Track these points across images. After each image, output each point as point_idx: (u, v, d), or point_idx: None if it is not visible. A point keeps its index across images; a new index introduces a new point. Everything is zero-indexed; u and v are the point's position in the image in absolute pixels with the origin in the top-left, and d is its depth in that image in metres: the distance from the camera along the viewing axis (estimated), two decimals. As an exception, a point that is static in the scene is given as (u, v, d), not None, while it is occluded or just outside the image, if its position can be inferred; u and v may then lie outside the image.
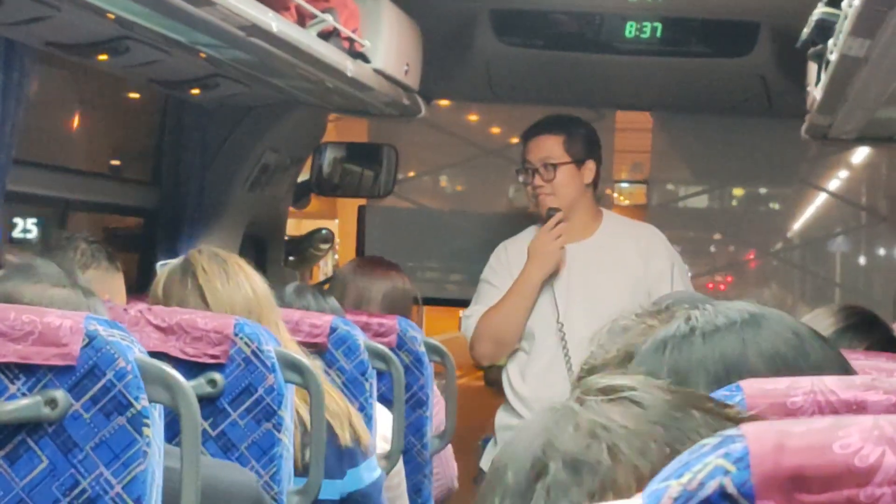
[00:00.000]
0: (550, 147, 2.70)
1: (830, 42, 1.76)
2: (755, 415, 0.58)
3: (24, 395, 0.93)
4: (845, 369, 0.78)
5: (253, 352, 1.33)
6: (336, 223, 5.64)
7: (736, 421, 0.50)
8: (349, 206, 4.91)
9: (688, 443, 0.45)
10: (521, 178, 2.82)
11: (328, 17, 2.15)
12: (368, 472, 1.72)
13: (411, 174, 3.61)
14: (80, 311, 1.04)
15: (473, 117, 3.81)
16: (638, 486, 0.42)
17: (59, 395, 0.94)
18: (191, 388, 1.07)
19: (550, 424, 0.49)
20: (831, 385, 0.62)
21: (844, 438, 0.30)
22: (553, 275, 2.69)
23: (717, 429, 0.43)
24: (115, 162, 2.92)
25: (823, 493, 0.29)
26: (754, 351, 0.76)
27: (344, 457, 1.69)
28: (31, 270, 1.26)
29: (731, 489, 0.29)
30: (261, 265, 2.20)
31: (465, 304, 2.83)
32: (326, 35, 2.20)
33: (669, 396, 0.53)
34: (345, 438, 1.66)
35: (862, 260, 3.73)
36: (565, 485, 0.46)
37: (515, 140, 3.00)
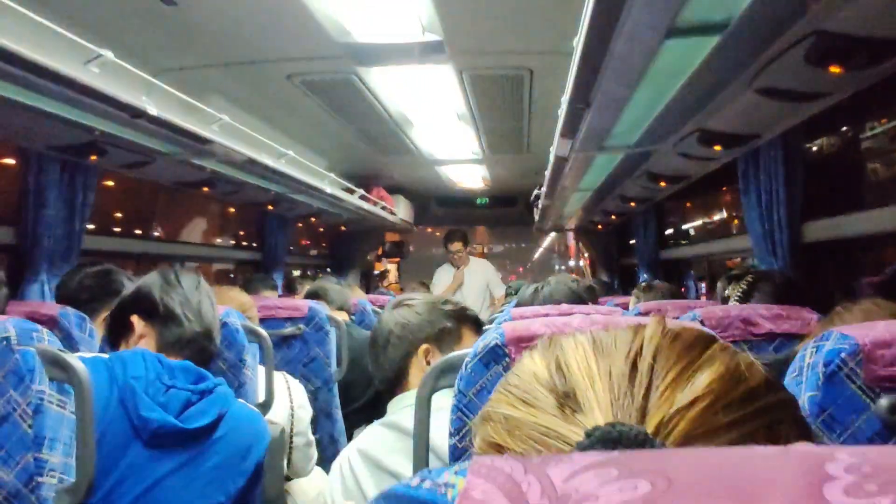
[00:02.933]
0: (457, 246, 6.67)
1: (540, 202, 6.58)
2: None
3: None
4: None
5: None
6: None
7: (459, 317, 1.57)
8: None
9: (438, 325, 1.54)
10: (449, 249, 6.96)
11: (386, 206, 6.87)
12: None
13: (412, 249, 8.81)
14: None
15: (430, 230, 9.13)
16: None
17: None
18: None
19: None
20: (550, 309, 1.67)
21: (539, 328, 0.97)
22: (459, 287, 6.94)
23: (457, 319, 1.56)
24: None
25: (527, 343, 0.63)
26: (550, 294, 2.35)
27: None
28: None
29: (500, 343, 0.89)
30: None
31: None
32: (384, 208, 7.12)
33: (430, 302, 1.50)
34: None
35: (556, 267, 8.90)
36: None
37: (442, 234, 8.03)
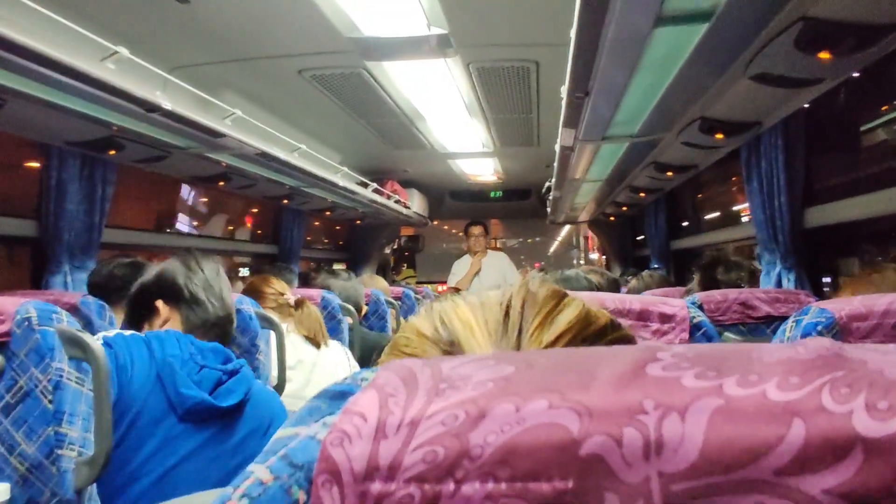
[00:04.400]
0: (479, 230, 6.76)
1: (551, 194, 6.51)
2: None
3: None
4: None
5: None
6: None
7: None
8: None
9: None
10: (467, 240, 6.86)
11: (400, 200, 7.05)
12: None
13: (427, 243, 8.85)
14: None
15: (446, 226, 9.17)
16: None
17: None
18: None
19: None
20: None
21: None
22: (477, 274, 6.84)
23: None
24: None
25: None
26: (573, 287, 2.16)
27: None
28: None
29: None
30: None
31: (444, 281, 7.77)
32: (398, 202, 7.22)
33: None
34: None
35: (574, 261, 8.89)
36: None
37: (456, 230, 8.14)
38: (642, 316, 1.21)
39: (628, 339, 0.53)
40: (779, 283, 2.76)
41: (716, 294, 2.17)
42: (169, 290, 1.67)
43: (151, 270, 1.73)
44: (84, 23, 1.90)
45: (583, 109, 2.20)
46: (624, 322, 1.21)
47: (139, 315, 1.69)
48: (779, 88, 2.03)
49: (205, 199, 5.21)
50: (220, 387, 1.52)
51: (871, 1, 1.42)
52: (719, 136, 2.60)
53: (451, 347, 0.51)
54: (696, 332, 1.21)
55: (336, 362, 2.49)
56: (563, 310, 0.52)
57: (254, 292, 2.52)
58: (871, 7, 1.45)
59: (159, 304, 1.66)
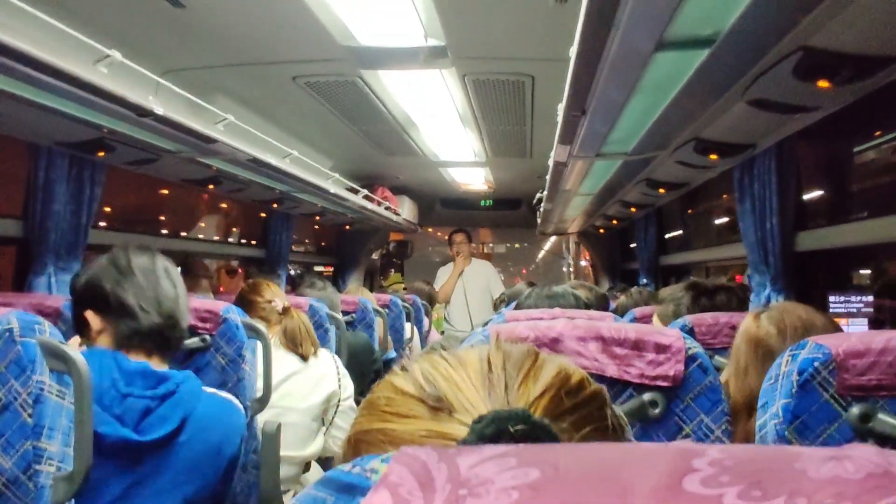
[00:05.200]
0: (461, 237, 6.96)
1: (542, 206, 6.55)
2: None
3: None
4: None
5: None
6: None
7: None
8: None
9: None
10: (451, 247, 7.18)
11: (390, 206, 6.96)
12: None
13: (416, 249, 8.81)
14: None
15: (439, 233, 9.12)
16: None
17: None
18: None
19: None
20: (541, 313, 2.12)
21: (523, 331, 1.72)
22: (461, 276, 6.91)
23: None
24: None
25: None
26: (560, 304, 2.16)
27: None
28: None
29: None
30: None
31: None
32: (388, 208, 7.18)
33: None
34: None
35: (564, 269, 8.85)
36: None
37: (445, 237, 8.04)
38: (637, 346, 1.20)
39: (604, 394, 0.56)
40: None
41: (706, 317, 2.16)
42: (97, 298, 1.48)
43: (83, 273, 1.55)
44: (77, 25, 1.87)
45: (578, 127, 2.19)
46: (619, 351, 1.20)
47: (78, 328, 1.53)
48: (775, 114, 2.03)
49: (193, 202, 5.16)
50: (149, 416, 1.39)
51: (872, 32, 1.42)
52: (713, 156, 2.60)
53: (440, 403, 0.51)
54: (691, 364, 1.20)
55: (322, 374, 2.45)
56: (542, 366, 0.55)
57: (243, 301, 2.48)
58: (872, 38, 1.45)
59: (89, 314, 1.48)
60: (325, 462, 2.72)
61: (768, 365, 1.25)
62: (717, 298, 2.46)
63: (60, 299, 2.34)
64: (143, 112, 2.16)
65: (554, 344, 1.16)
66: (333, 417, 2.47)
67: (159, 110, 2.21)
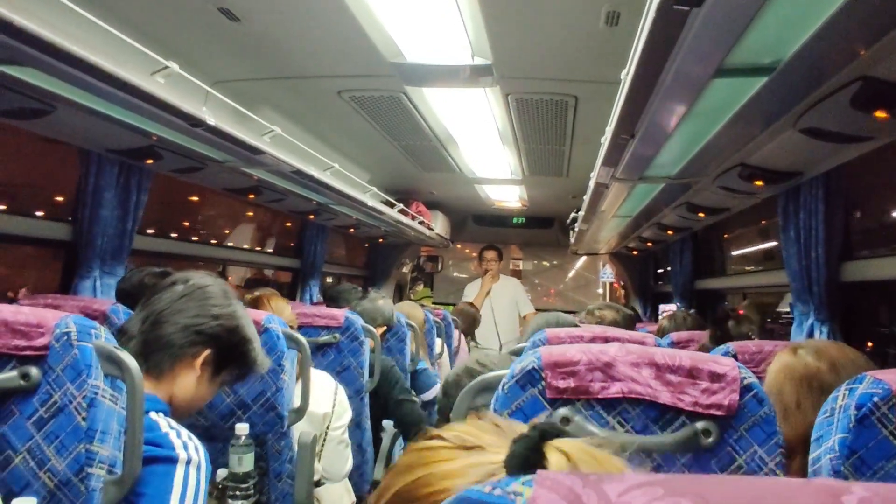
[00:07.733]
0: (492, 255, 7.17)
1: (576, 225, 6.32)
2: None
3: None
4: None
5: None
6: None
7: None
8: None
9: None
10: (481, 263, 7.12)
11: (424, 220, 6.65)
12: None
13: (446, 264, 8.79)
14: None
15: (467, 249, 9.12)
16: None
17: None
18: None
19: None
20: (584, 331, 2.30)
21: (576, 354, 1.47)
22: (488, 294, 6.94)
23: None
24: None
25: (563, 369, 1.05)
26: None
27: None
28: None
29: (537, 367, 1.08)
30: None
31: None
32: (422, 223, 7.14)
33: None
34: None
35: (599, 290, 8.75)
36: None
37: (475, 253, 7.85)
38: (692, 373, 1.19)
39: None
40: (810, 335, 2.71)
41: (750, 345, 2.13)
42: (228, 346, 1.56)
43: (237, 313, 1.59)
44: (138, 36, 1.91)
45: (625, 150, 2.18)
46: (673, 378, 1.18)
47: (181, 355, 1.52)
48: (827, 143, 2.00)
49: (233, 210, 5.22)
50: None
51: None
52: (759, 183, 2.57)
53: (473, 444, 0.57)
54: (746, 394, 1.18)
55: (316, 399, 2.28)
56: None
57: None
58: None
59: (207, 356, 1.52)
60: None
61: (822, 399, 1.22)
62: (741, 328, 2.46)
63: (107, 303, 2.39)
64: (195, 122, 2.19)
65: (607, 368, 1.15)
66: (322, 447, 2.34)
67: (211, 121, 2.24)
